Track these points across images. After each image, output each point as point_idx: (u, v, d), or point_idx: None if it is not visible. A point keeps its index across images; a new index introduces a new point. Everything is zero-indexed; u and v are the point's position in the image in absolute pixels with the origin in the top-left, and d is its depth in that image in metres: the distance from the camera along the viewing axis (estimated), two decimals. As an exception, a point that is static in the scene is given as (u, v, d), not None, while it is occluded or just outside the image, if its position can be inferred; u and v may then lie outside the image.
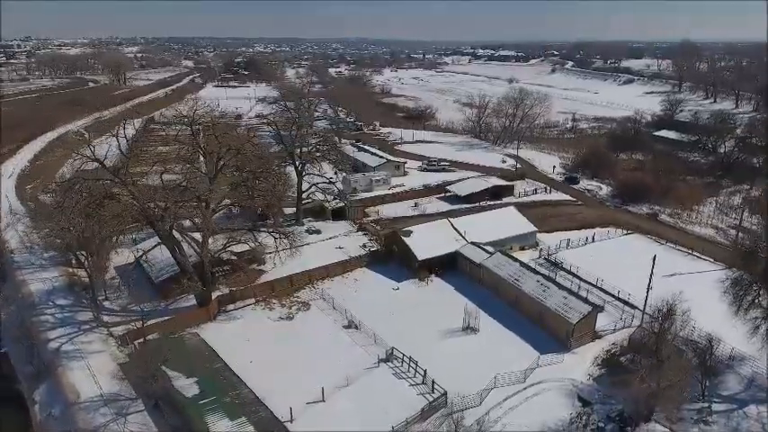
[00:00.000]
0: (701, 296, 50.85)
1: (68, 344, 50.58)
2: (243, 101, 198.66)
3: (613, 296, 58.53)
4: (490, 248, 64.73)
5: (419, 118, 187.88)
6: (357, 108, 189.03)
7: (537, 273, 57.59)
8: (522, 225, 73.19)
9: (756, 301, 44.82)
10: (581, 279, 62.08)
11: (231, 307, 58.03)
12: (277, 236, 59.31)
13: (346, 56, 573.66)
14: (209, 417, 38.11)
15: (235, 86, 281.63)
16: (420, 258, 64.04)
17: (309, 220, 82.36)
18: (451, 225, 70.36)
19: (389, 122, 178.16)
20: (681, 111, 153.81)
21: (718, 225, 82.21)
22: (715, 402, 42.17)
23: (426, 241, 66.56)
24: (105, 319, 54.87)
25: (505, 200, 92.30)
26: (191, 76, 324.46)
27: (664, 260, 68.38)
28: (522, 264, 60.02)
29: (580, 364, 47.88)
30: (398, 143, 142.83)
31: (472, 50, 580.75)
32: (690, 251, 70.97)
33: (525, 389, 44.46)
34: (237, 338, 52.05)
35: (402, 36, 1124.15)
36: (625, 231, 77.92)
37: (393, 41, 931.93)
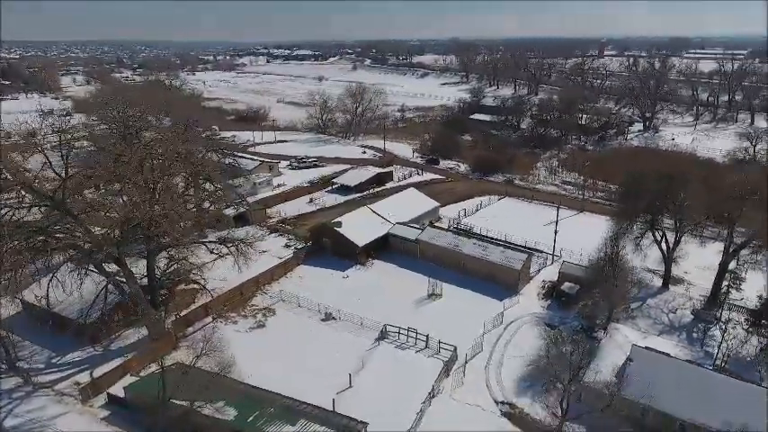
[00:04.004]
0: (584, 231, 66.38)
1: (10, 418, 40.70)
2: (25, 115, 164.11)
3: (523, 246, 70.91)
4: (416, 226, 71.46)
5: (253, 119, 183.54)
6: (181, 113, 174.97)
7: (470, 237, 66.56)
8: (428, 202, 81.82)
9: (631, 228, 61.09)
10: (492, 238, 73.29)
11: (190, 330, 52.98)
12: (231, 245, 55.93)
13: (123, 59, 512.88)
14: (269, 429, 36.41)
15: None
16: (360, 245, 67.22)
17: (212, 231, 77.31)
18: (372, 211, 74.86)
19: (224, 126, 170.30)
20: (485, 96, 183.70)
21: (554, 182, 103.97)
22: (630, 303, 56.76)
23: (358, 228, 69.86)
24: (40, 379, 45.03)
25: (389, 185, 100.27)
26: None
27: (538, 213, 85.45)
28: (455, 232, 68.37)
29: (531, 300, 58.48)
30: (251, 145, 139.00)
31: (267, 51, 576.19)
32: (551, 203, 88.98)
33: (506, 328, 52.79)
34: (219, 357, 48.43)
35: (178, 38, 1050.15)
36: (498, 197, 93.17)
37: (170, 43, 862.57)
